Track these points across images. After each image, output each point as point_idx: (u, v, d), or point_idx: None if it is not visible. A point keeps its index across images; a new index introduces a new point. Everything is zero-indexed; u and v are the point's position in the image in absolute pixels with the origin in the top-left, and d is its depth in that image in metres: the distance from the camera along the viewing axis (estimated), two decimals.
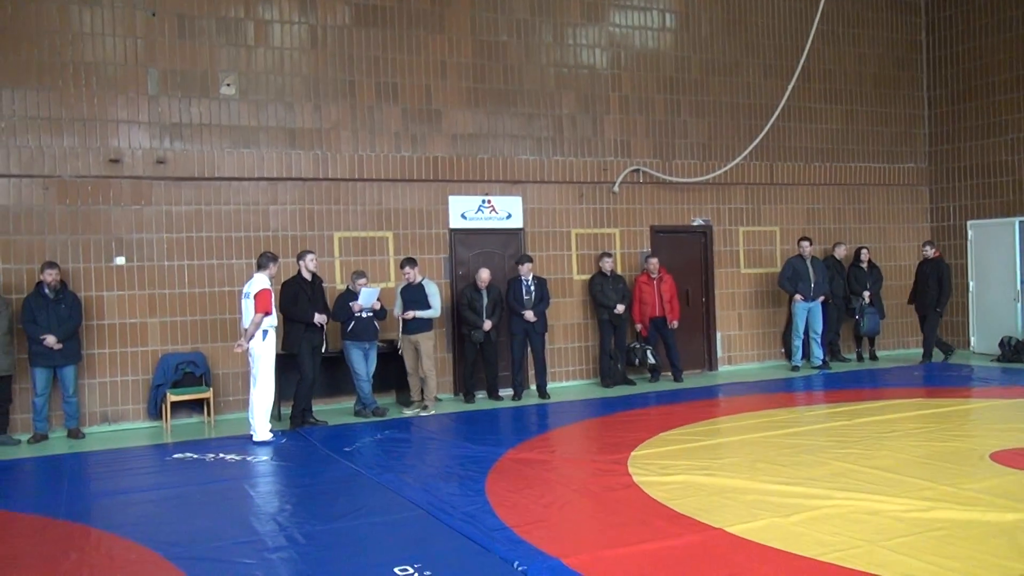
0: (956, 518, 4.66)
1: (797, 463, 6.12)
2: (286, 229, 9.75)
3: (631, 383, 10.88)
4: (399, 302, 9.43)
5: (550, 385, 10.50)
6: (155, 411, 9.06)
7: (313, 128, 9.85)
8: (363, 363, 9.18)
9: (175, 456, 7.47)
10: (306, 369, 8.65)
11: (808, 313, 11.55)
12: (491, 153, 10.70)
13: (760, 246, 12.41)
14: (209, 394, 9.09)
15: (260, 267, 8.16)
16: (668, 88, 11.77)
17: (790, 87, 11.64)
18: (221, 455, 7.37)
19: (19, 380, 8.53)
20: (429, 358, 9.36)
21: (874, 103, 13.20)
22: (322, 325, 8.73)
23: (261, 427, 7.96)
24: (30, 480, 7.07)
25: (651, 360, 10.94)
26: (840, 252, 12.30)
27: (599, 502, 5.37)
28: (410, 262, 9.47)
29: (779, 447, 6.71)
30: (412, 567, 4.21)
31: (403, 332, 9.39)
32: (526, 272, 10.06)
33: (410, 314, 9.28)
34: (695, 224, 11.97)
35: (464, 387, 10.11)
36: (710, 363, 12.05)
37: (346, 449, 7.42)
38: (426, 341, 9.36)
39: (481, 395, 10.22)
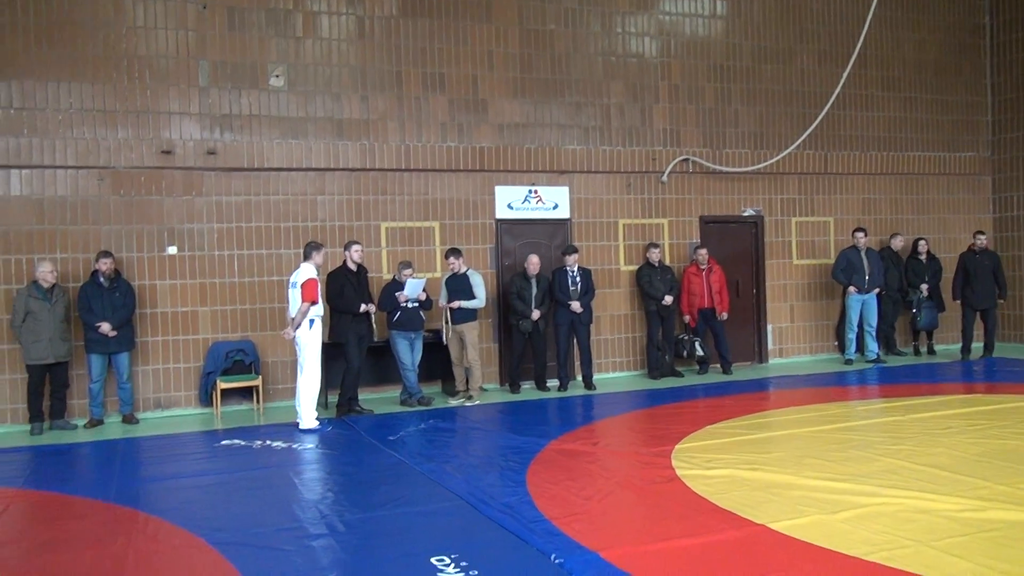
0: (1011, 519, 4.49)
1: (846, 459, 5.97)
2: (333, 219, 9.82)
3: (679, 375, 10.75)
4: (444, 292, 9.45)
5: (597, 376, 10.44)
6: (206, 398, 9.22)
7: (360, 119, 9.90)
8: (409, 353, 9.22)
9: (223, 442, 7.59)
10: (352, 358, 8.72)
11: (862, 305, 11.28)
12: (538, 143, 10.64)
13: (813, 237, 12.15)
14: (258, 382, 9.22)
15: (306, 256, 8.24)
16: (719, 76, 11.57)
17: (845, 74, 11.36)
18: (268, 442, 7.47)
19: (76, 367, 8.76)
20: (474, 348, 9.37)
21: (934, 90, 12.82)
22: (370, 314, 8.79)
23: (307, 415, 8.05)
24: (85, 464, 7.25)
25: (699, 352, 10.80)
26: (897, 243, 11.98)
27: (640, 495, 5.31)
28: (455, 252, 9.48)
29: (828, 442, 6.56)
30: (449, 557, 4.21)
31: (448, 322, 9.41)
32: (572, 263, 9.99)
33: (455, 304, 9.29)
34: (746, 214, 11.76)
35: (511, 377, 10.09)
36: (760, 355, 11.86)
37: (390, 438, 7.46)
38: (471, 331, 9.37)
39: (528, 385, 10.20)
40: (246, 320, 9.49)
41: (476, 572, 3.99)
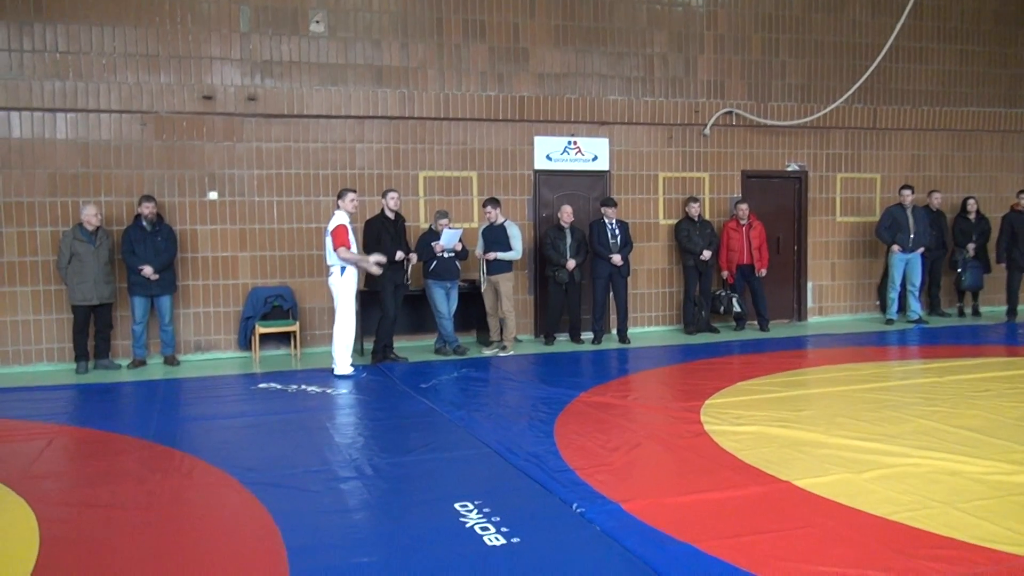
0: None
1: (879, 419, 5.91)
2: (372, 167, 9.84)
3: (714, 331, 10.69)
4: (481, 243, 9.46)
5: (631, 330, 10.42)
6: (244, 342, 9.40)
7: (400, 66, 9.85)
8: (445, 302, 9.28)
9: (260, 386, 7.75)
10: (388, 306, 8.80)
11: (906, 265, 11.05)
12: (578, 93, 10.51)
13: (859, 193, 11.89)
14: (295, 327, 9.37)
15: (338, 205, 8.27)
16: (766, 26, 11.26)
17: (899, 25, 10.98)
18: (303, 387, 7.61)
19: (120, 308, 8.98)
20: (509, 299, 9.39)
21: (992, 42, 12.34)
22: (407, 262, 8.84)
23: (342, 361, 8.16)
24: (126, 403, 7.46)
25: (736, 308, 10.70)
26: (936, 201, 11.65)
27: (666, 449, 5.32)
28: (493, 202, 9.46)
29: (861, 402, 6.49)
30: (472, 503, 4.27)
31: (484, 273, 9.43)
32: (611, 215, 9.92)
33: (491, 255, 9.30)
34: (789, 169, 11.53)
35: (545, 329, 10.11)
36: (799, 313, 11.72)
37: (423, 386, 7.55)
38: (506, 282, 9.38)
39: (562, 338, 10.21)
40: (284, 266, 9.61)
41: (498, 518, 4.05)
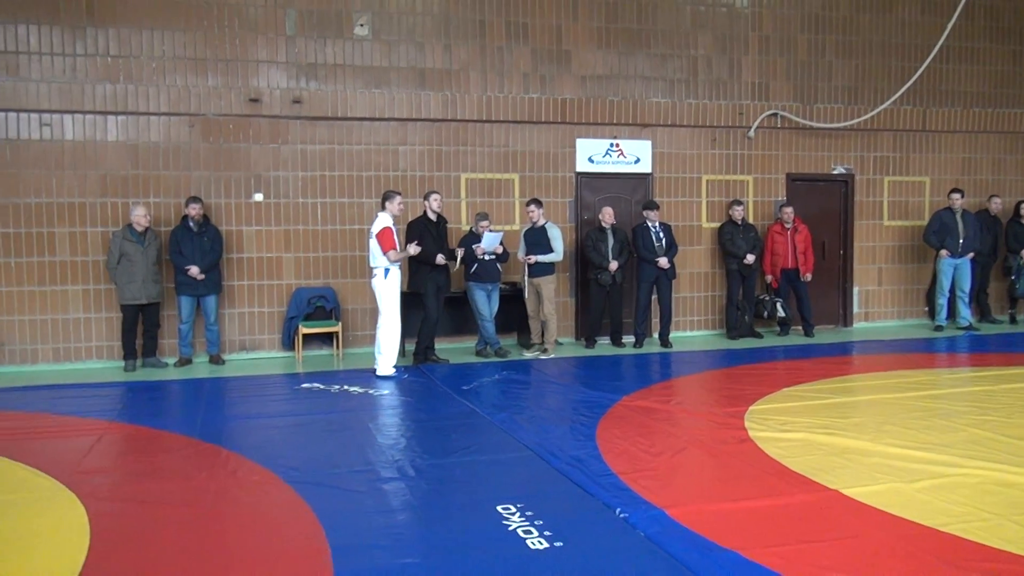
0: None
1: (929, 428, 5.78)
2: (415, 169, 9.89)
3: (758, 336, 10.55)
4: (523, 245, 9.45)
5: (673, 334, 10.33)
6: (288, 342, 9.50)
7: (443, 69, 9.89)
8: (486, 304, 9.28)
9: (303, 386, 7.82)
10: (430, 308, 8.82)
11: (955, 270, 10.82)
12: (621, 95, 10.45)
13: (907, 197, 11.67)
14: (338, 328, 9.44)
15: (383, 206, 8.31)
16: (813, 27, 11.11)
17: (950, 25, 10.76)
18: (346, 387, 7.66)
19: (167, 307, 9.12)
20: (550, 302, 9.37)
21: None
22: (452, 264, 8.85)
23: (385, 363, 8.20)
24: (173, 401, 7.58)
25: (781, 313, 10.56)
26: (996, 206, 11.40)
27: (710, 455, 5.26)
28: (535, 202, 9.46)
29: (911, 409, 6.36)
30: (515, 506, 4.26)
31: (526, 275, 9.42)
32: (654, 218, 9.85)
33: (532, 259, 9.29)
34: (836, 172, 11.36)
35: (586, 332, 10.07)
36: (845, 319, 11.53)
37: (464, 387, 7.56)
38: (548, 285, 9.37)
39: (604, 341, 10.17)
40: (328, 267, 9.69)
41: (541, 522, 4.03)
